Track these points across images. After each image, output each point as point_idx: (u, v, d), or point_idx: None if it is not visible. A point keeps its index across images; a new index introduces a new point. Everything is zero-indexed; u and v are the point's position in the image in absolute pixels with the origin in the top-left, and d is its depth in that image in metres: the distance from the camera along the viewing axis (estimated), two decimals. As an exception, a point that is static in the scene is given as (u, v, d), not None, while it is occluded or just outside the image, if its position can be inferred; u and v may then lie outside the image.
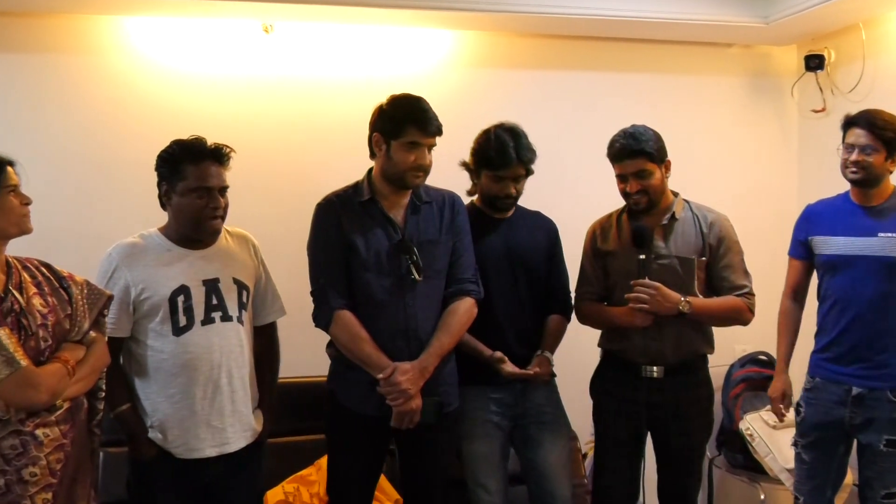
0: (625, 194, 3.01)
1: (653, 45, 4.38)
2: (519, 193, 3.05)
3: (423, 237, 2.83)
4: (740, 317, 3.04)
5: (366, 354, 2.73)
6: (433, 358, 2.78)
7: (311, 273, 2.84)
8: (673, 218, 3.03)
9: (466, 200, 3.15)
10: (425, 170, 2.78)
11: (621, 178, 3.00)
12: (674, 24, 4.08)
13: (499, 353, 2.97)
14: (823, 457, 3.13)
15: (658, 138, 2.99)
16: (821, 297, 3.17)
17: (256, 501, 3.01)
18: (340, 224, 2.78)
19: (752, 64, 4.57)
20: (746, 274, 3.07)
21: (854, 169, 3.01)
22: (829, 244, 3.11)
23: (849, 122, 3.06)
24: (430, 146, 2.77)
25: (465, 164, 3.12)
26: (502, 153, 2.95)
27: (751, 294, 3.04)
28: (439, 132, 2.77)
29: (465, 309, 2.87)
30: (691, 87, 4.47)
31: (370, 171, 2.88)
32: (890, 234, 3.00)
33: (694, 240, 3.02)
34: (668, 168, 3.02)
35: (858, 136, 3.00)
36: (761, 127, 4.57)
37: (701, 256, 3.01)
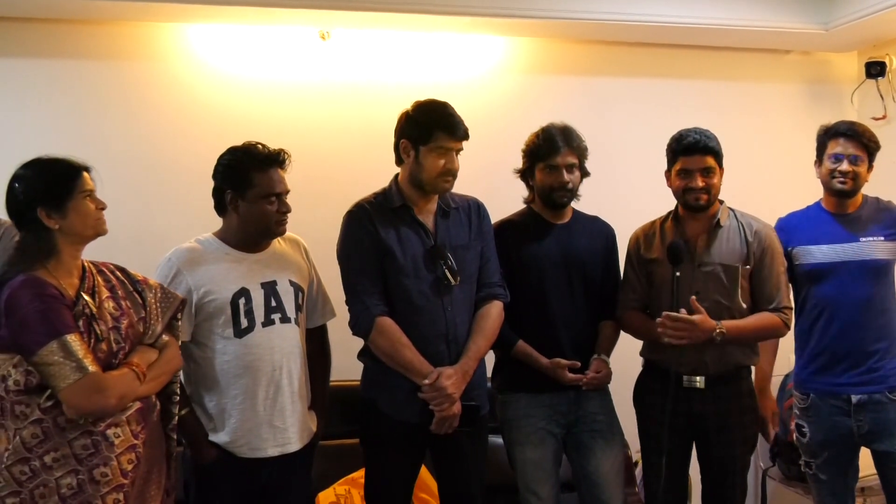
0: (685, 191, 2.98)
1: (709, 52, 4.35)
2: (574, 186, 3.03)
3: (454, 242, 2.85)
4: (775, 333, 3.06)
5: (408, 360, 2.74)
6: (473, 361, 2.80)
7: (346, 281, 2.83)
8: (718, 225, 3.01)
9: (521, 207, 3.17)
10: (454, 174, 2.80)
11: (684, 174, 2.97)
12: (731, 30, 4.05)
13: (559, 360, 2.97)
14: (840, 471, 3.15)
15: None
16: (801, 308, 3.15)
17: (310, 502, 3.05)
18: (376, 230, 2.79)
19: (810, 71, 4.51)
20: (787, 287, 3.06)
21: (843, 179, 3.05)
22: (813, 253, 3.11)
23: (833, 133, 3.10)
24: (458, 150, 2.79)
25: (518, 171, 3.12)
26: (551, 142, 2.98)
27: (788, 308, 3.03)
28: (466, 136, 2.79)
29: (497, 313, 2.89)
30: (748, 94, 4.44)
31: (396, 177, 2.90)
32: (871, 238, 3.07)
33: (739, 247, 2.99)
34: (723, 172, 3.02)
35: (847, 146, 3.05)
36: (820, 135, 4.49)
37: (745, 265, 2.98)
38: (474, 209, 2.96)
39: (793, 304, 3.09)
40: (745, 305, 2.98)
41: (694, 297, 2.89)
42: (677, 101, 4.30)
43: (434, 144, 2.74)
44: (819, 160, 3.16)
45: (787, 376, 4.11)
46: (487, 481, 2.99)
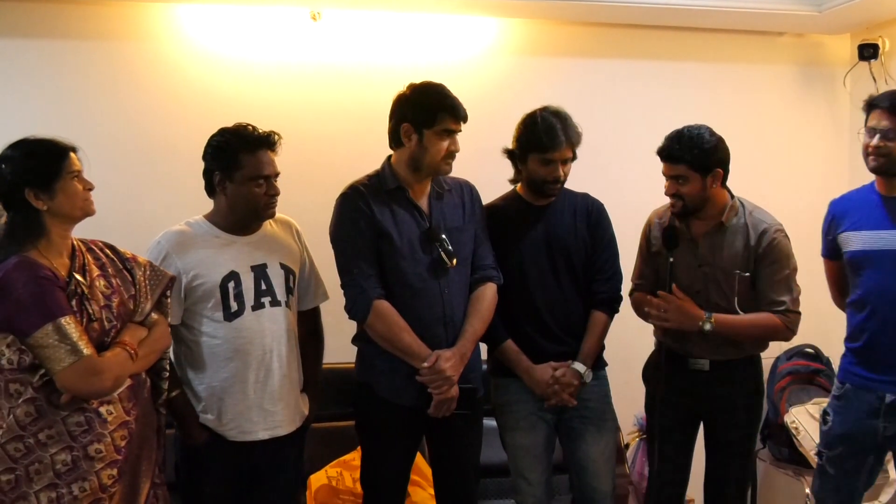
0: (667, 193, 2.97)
1: (702, 34, 4.33)
2: (566, 177, 2.99)
3: (449, 224, 2.83)
4: (775, 335, 2.96)
5: (406, 344, 2.72)
6: (470, 344, 2.79)
7: (342, 264, 2.79)
8: (721, 225, 2.95)
9: (509, 188, 3.14)
10: (454, 157, 2.79)
11: (665, 178, 2.95)
12: (724, 12, 4.03)
13: (549, 372, 2.95)
14: (851, 471, 2.90)
15: (711, 148, 2.87)
16: (849, 298, 2.95)
17: (301, 484, 3.05)
18: (372, 212, 2.75)
19: (803, 53, 4.50)
20: (790, 290, 2.93)
21: (873, 156, 2.78)
22: (854, 240, 2.88)
23: (869, 105, 2.83)
24: (458, 132, 2.78)
25: (507, 151, 3.06)
26: (552, 135, 2.89)
27: (791, 312, 2.91)
28: (467, 118, 2.77)
29: (491, 294, 2.88)
30: (741, 76, 4.42)
31: (389, 159, 2.87)
32: None
33: (741, 252, 2.92)
34: (715, 178, 2.90)
35: (880, 119, 2.76)
36: (812, 117, 4.50)
37: (744, 272, 2.91)
38: (467, 191, 2.95)
39: (800, 310, 2.94)
40: (740, 312, 2.92)
41: (675, 285, 2.88)
42: (670, 84, 4.29)
43: (440, 127, 2.72)
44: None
45: (777, 359, 4.14)
46: (480, 463, 2.99)
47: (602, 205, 3.11)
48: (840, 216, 2.97)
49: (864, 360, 2.86)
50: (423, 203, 2.84)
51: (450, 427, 2.82)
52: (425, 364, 2.70)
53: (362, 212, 2.76)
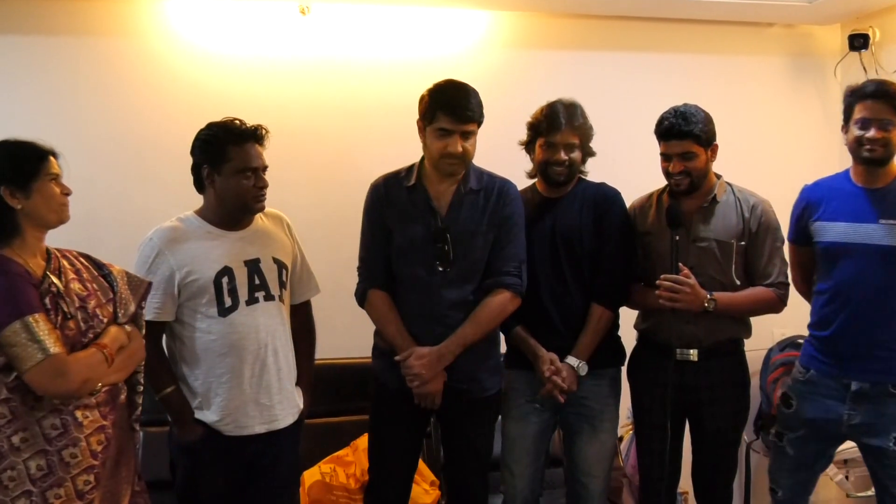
0: (667, 174, 2.96)
1: (693, 25, 4.33)
2: (573, 163, 2.97)
3: (462, 227, 2.81)
4: (770, 308, 2.99)
5: (390, 335, 2.82)
6: (454, 346, 2.78)
7: (359, 251, 2.93)
8: (714, 201, 2.98)
9: (527, 183, 3.13)
10: (458, 157, 2.75)
11: (665, 157, 2.94)
12: (714, 3, 4.03)
13: (553, 361, 2.95)
14: (813, 454, 2.97)
15: (708, 121, 2.92)
16: (818, 286, 2.94)
17: (297, 478, 3.05)
18: (382, 208, 2.86)
19: (794, 44, 4.50)
20: (783, 262, 2.99)
21: (871, 147, 2.72)
22: (828, 231, 2.86)
23: (860, 95, 2.76)
24: (465, 133, 2.74)
25: (522, 143, 3.08)
26: (552, 118, 2.94)
27: (783, 284, 2.97)
28: (473, 119, 2.74)
29: (498, 302, 2.83)
30: (732, 67, 4.41)
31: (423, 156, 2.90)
32: (892, 221, 2.75)
33: (735, 223, 2.96)
34: (714, 152, 2.96)
35: (877, 109, 2.71)
36: (803, 108, 4.50)
37: (740, 241, 2.95)
38: (496, 193, 2.87)
39: (790, 281, 3.01)
40: (738, 282, 2.96)
41: (681, 263, 2.88)
42: (661, 75, 4.28)
43: (436, 125, 2.73)
44: (846, 125, 2.83)
45: (770, 350, 4.14)
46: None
47: (615, 195, 3.08)
48: (815, 203, 2.95)
49: (832, 349, 2.88)
50: (442, 202, 2.83)
51: (455, 425, 2.91)
52: (397, 357, 2.77)
53: (375, 205, 2.89)
